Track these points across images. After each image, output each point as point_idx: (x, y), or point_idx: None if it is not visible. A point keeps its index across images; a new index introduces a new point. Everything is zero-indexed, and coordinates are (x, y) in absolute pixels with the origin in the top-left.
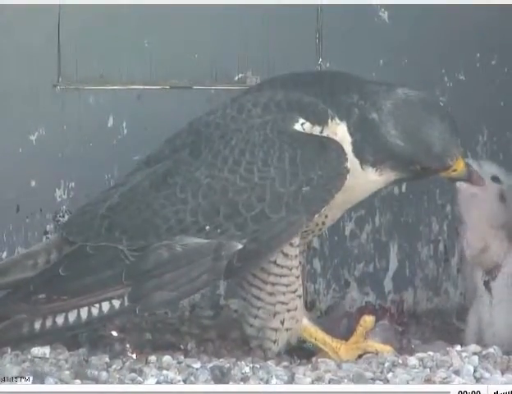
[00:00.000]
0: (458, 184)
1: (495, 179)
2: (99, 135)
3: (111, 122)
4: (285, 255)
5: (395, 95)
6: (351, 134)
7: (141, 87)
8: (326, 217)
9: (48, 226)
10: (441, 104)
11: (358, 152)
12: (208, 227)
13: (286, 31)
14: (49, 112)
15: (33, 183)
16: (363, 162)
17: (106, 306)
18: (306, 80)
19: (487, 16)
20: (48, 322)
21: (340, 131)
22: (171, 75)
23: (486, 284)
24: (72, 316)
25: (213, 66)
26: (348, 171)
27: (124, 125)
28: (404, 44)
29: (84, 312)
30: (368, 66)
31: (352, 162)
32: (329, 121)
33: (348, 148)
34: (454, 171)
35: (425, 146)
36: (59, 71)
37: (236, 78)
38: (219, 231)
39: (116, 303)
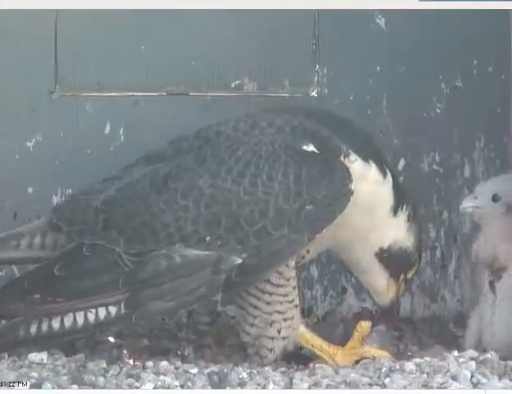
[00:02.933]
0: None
1: (495, 197)
2: (96, 141)
3: (108, 129)
4: (281, 270)
5: None
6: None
7: (138, 94)
8: (308, 251)
9: None
10: None
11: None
12: (208, 238)
13: (283, 37)
14: (46, 119)
15: (30, 190)
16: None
17: (102, 312)
18: (331, 119)
19: (484, 23)
20: (44, 327)
21: (356, 168)
22: (168, 82)
23: (491, 284)
24: (68, 321)
25: (210, 72)
26: (352, 193)
27: (121, 131)
28: (400, 51)
29: (80, 317)
30: (364, 72)
31: (382, 204)
32: (342, 157)
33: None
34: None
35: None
36: (56, 78)
37: (233, 84)
38: (219, 243)
39: (113, 309)
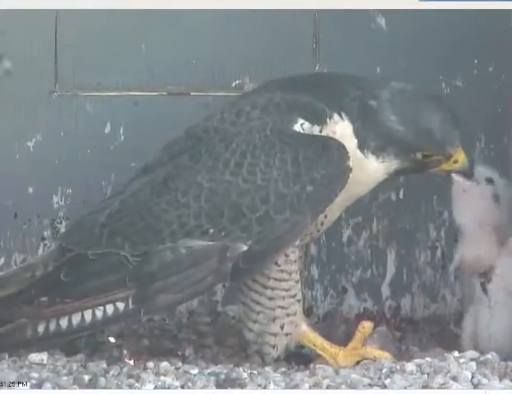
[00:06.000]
0: (454, 177)
1: (489, 180)
2: (96, 141)
3: (108, 129)
4: (287, 257)
5: (392, 85)
6: (352, 123)
7: (138, 93)
8: (325, 217)
9: (45, 232)
10: (441, 97)
11: (360, 140)
12: (211, 230)
13: (284, 37)
14: (46, 119)
15: (30, 189)
16: (365, 149)
17: (110, 309)
18: (302, 82)
19: (485, 23)
20: (52, 326)
21: (339, 129)
22: (169, 82)
23: (483, 286)
24: (76, 319)
25: (211, 72)
26: (350, 169)
27: (121, 131)
28: (401, 50)
29: (88, 315)
30: (365, 72)
31: (355, 153)
32: (327, 119)
33: (350, 142)
34: (456, 162)
35: (425, 131)
36: (56, 78)
37: (234, 84)
38: (223, 233)
39: (121, 305)
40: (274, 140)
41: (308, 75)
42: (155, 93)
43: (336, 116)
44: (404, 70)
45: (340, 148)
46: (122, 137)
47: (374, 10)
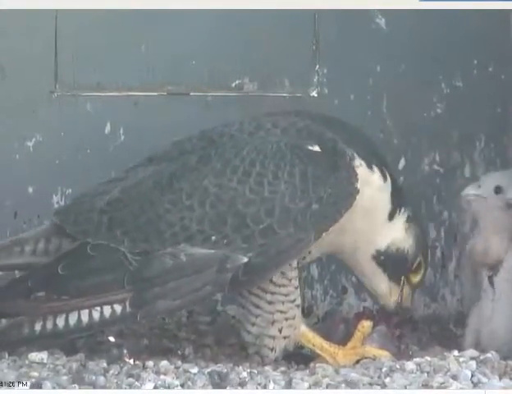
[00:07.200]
0: (463, 192)
1: (498, 189)
2: (96, 141)
3: (108, 129)
4: (284, 269)
5: None
6: (385, 177)
7: (138, 94)
8: (309, 252)
9: None
10: None
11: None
12: (214, 237)
13: (284, 37)
14: (46, 119)
15: (30, 189)
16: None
17: (107, 311)
18: (337, 124)
19: (484, 23)
20: (49, 325)
21: (359, 173)
22: (169, 82)
23: (490, 279)
24: (73, 319)
25: (210, 72)
26: (358, 191)
27: (121, 131)
28: (401, 50)
29: (85, 315)
30: (365, 72)
31: (382, 208)
32: (347, 160)
33: (382, 193)
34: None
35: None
36: (56, 78)
37: (233, 84)
38: (225, 241)
39: (118, 308)
40: (285, 152)
41: (348, 125)
42: (155, 94)
43: (358, 161)
44: (403, 70)
45: (350, 169)
46: (122, 137)
47: (374, 10)
